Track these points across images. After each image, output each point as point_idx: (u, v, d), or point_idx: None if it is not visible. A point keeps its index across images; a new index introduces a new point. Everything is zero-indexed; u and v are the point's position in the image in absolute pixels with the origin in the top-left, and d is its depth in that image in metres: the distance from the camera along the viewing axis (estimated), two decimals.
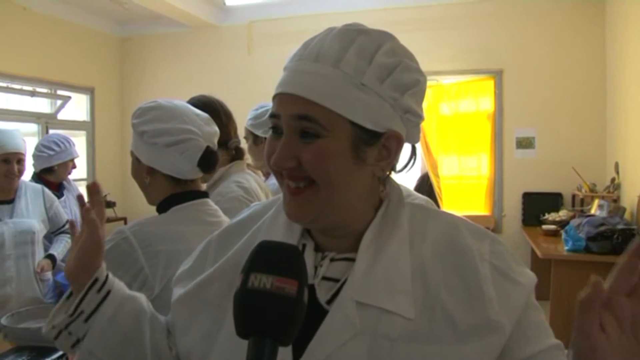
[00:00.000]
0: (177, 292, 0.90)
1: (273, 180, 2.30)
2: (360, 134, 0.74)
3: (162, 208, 1.49)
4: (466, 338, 0.71)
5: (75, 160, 3.56)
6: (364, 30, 0.76)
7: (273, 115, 0.77)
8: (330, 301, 0.76)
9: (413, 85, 0.77)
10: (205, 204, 1.53)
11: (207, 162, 1.47)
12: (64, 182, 3.47)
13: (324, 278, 0.78)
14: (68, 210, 3.36)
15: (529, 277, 0.79)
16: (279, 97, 0.77)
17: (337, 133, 0.73)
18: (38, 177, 3.34)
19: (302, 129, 0.74)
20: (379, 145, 0.76)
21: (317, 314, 0.75)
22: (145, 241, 1.36)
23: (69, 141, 3.34)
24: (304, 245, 0.82)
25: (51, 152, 3.24)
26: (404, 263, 0.76)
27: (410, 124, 0.79)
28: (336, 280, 0.78)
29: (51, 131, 6.06)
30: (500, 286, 0.75)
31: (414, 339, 0.72)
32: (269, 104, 2.34)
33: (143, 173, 1.48)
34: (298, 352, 0.73)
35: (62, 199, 3.36)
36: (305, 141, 0.74)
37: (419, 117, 0.80)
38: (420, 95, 0.79)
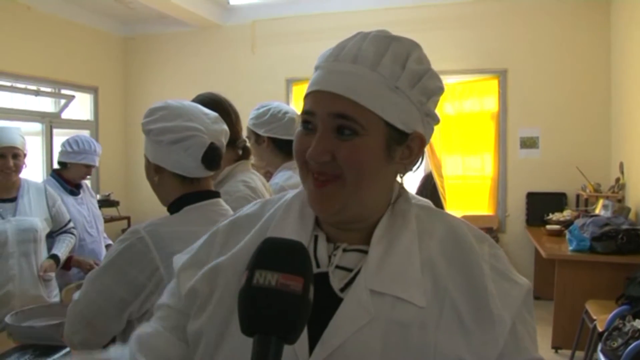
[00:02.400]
0: (187, 277, 0.89)
1: (276, 180, 2.30)
2: (392, 134, 0.79)
3: (174, 208, 1.48)
4: (471, 330, 0.74)
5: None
6: (396, 38, 0.82)
7: (307, 112, 0.80)
8: (343, 289, 0.79)
9: (437, 92, 0.83)
10: (217, 204, 1.53)
11: (210, 158, 1.46)
12: (82, 183, 3.48)
13: (338, 267, 0.81)
14: (85, 207, 3.39)
15: (526, 281, 0.83)
16: (314, 95, 0.80)
17: (373, 132, 0.77)
18: (55, 172, 3.37)
19: (339, 126, 0.77)
20: (404, 145, 0.81)
21: (331, 301, 0.77)
22: (160, 242, 1.36)
23: (90, 146, 3.31)
24: (316, 237, 0.84)
25: (69, 149, 3.26)
26: (414, 256, 0.79)
27: (428, 126, 0.84)
28: (349, 270, 0.80)
29: (55, 130, 6.10)
30: (500, 285, 0.79)
31: (425, 327, 0.74)
32: (271, 103, 2.36)
33: (152, 172, 1.49)
34: (314, 339, 0.74)
35: (79, 196, 3.38)
36: (342, 138, 0.77)
37: (437, 121, 0.85)
38: (438, 101, 0.86)
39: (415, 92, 0.79)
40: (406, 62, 0.79)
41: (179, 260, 0.95)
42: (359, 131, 0.76)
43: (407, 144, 0.81)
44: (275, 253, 0.64)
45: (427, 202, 0.95)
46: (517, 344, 0.76)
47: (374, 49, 0.79)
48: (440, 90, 0.83)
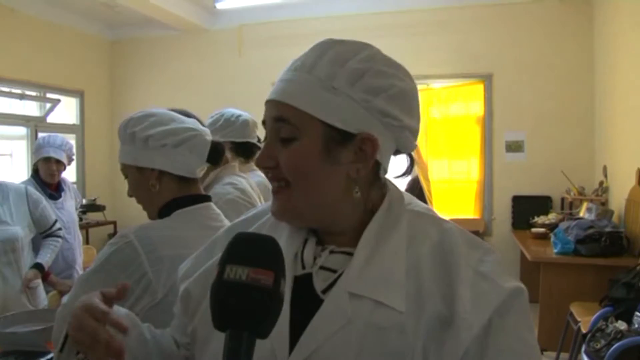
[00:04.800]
0: (185, 284, 0.94)
1: (255, 179, 2.33)
2: (332, 134, 0.79)
3: (164, 212, 1.46)
4: (445, 336, 0.72)
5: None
6: (340, 41, 0.83)
7: (262, 122, 0.85)
8: (325, 291, 0.79)
9: (387, 89, 0.80)
10: (208, 208, 1.51)
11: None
12: (62, 184, 3.38)
13: (322, 267, 0.81)
14: (66, 212, 3.32)
15: (515, 285, 0.77)
16: (266, 106, 0.84)
17: (309, 132, 0.78)
18: (34, 176, 3.29)
19: (279, 131, 0.80)
20: (354, 146, 0.80)
21: (313, 303, 0.77)
22: (149, 246, 1.35)
23: (50, 139, 3.21)
24: (306, 239, 0.85)
25: (34, 149, 3.21)
26: (400, 260, 0.78)
27: (394, 129, 0.82)
28: (334, 271, 0.80)
29: (40, 134, 6.03)
30: (478, 286, 0.75)
31: (405, 332, 0.73)
32: (224, 109, 2.40)
33: (151, 181, 1.44)
34: (296, 341, 0.75)
35: (60, 200, 3.31)
36: (284, 145, 0.80)
37: (400, 122, 0.82)
38: (400, 100, 0.81)
39: (357, 90, 0.78)
40: (347, 62, 0.79)
41: (183, 268, 0.97)
42: (295, 135, 0.78)
43: (358, 146, 0.79)
44: (245, 248, 0.64)
45: (427, 207, 0.91)
46: (481, 356, 0.71)
47: (314, 55, 0.81)
48: (391, 86, 0.80)
